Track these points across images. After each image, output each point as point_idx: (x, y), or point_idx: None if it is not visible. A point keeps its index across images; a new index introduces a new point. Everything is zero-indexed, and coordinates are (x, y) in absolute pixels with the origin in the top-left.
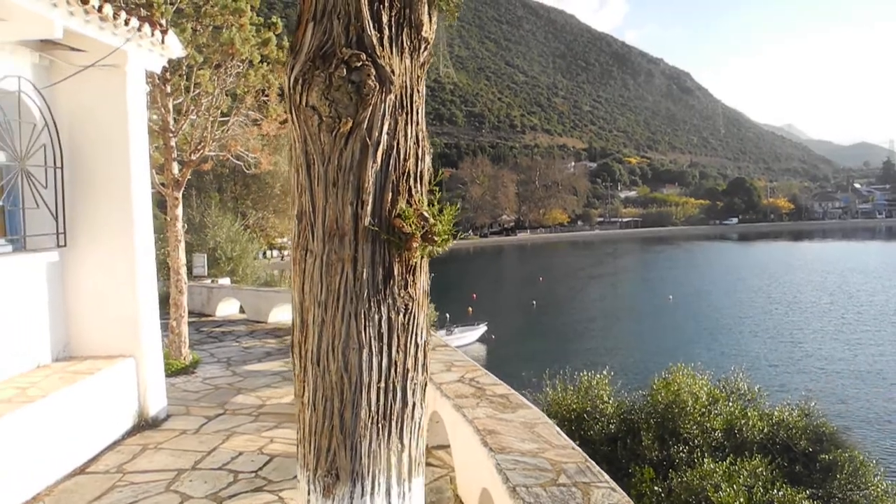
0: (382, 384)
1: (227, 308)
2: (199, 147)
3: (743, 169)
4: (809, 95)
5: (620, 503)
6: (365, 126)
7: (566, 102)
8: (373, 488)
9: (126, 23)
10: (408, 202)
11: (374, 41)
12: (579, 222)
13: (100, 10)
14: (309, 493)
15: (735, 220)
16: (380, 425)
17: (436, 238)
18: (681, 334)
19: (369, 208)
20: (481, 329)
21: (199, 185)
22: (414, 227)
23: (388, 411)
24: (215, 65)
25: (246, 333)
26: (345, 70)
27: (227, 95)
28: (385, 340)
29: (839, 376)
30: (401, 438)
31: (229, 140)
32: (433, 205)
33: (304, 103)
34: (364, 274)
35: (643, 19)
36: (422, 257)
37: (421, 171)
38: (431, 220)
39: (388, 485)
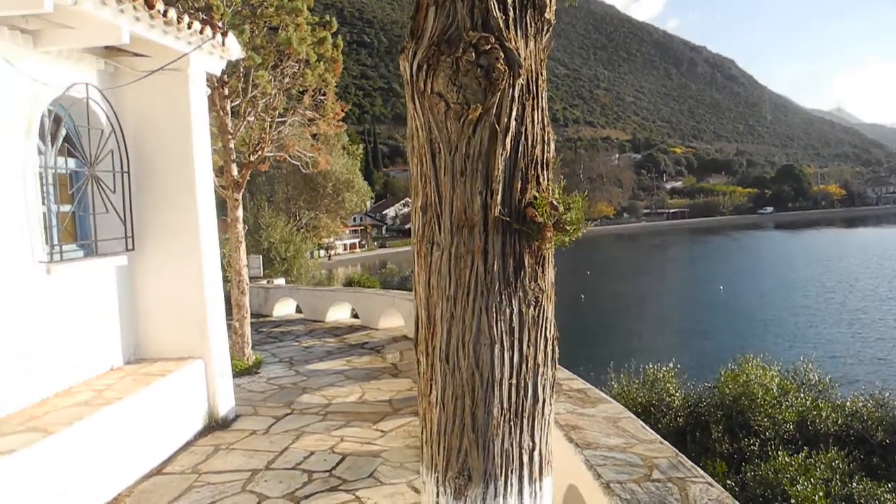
0: (514, 380)
1: (284, 308)
2: (257, 148)
3: (791, 156)
4: (859, 77)
5: (720, 498)
6: (494, 112)
7: (608, 94)
8: (506, 489)
9: (189, 26)
10: (536, 191)
11: (500, 24)
12: (625, 214)
13: (164, 14)
14: (438, 496)
15: (770, 208)
16: (511, 423)
17: (567, 227)
18: (734, 327)
19: (499, 198)
20: None
21: (252, 186)
22: (546, 216)
23: (520, 408)
24: (272, 65)
25: (304, 333)
26: (473, 54)
27: (283, 95)
28: (516, 335)
29: None
30: (532, 436)
31: (287, 140)
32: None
33: (429, 90)
34: (495, 266)
35: (684, 7)
36: (550, 248)
37: (547, 159)
38: (562, 209)
39: (521, 485)
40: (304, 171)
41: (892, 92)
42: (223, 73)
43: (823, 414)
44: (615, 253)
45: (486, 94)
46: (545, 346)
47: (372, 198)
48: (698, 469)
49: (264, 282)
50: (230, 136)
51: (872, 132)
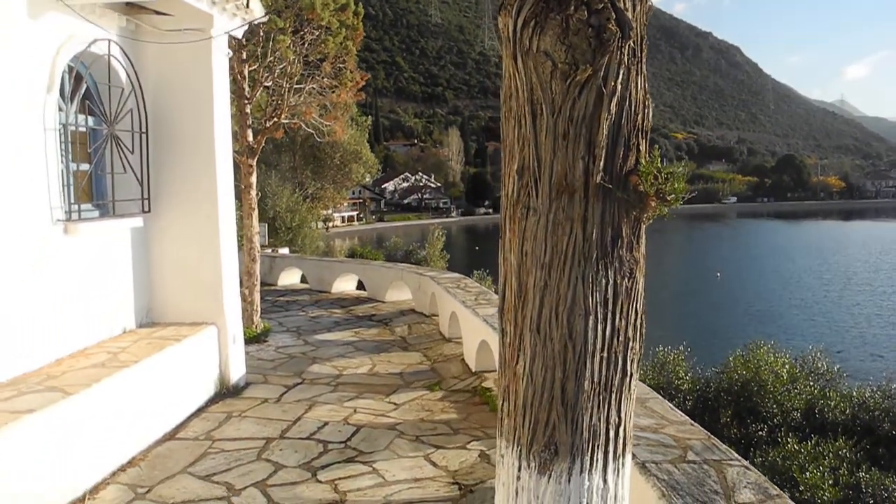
0: (605, 353)
1: (290, 277)
2: (273, 115)
3: (792, 146)
4: (864, 70)
5: (759, 482)
6: (602, 74)
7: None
8: (591, 464)
9: None
10: (636, 159)
11: None
12: None
13: None
14: (520, 469)
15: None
16: (601, 397)
17: (669, 197)
18: (731, 313)
19: (601, 164)
20: None
21: (259, 154)
22: (649, 185)
23: (610, 383)
24: (292, 31)
25: (311, 303)
26: (585, 12)
27: (301, 62)
28: (610, 307)
29: None
30: (619, 412)
31: (304, 107)
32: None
33: (535, 48)
34: (594, 235)
35: None
36: (649, 219)
37: (647, 126)
38: (662, 178)
39: (605, 461)
40: (318, 139)
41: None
42: (243, 36)
43: (831, 403)
44: None
45: (595, 55)
46: (635, 320)
47: (378, 170)
48: (733, 452)
49: (269, 250)
50: (246, 102)
51: (874, 125)
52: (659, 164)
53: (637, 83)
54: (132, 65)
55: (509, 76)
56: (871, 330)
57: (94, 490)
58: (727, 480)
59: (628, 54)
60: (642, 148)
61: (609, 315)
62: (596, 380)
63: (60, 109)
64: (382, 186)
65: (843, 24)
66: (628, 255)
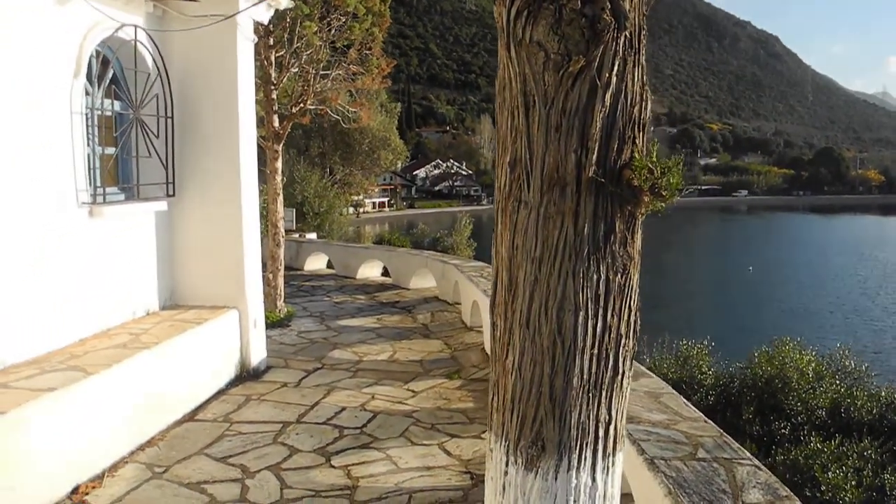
0: (596, 350)
1: (316, 263)
2: (299, 100)
3: (831, 138)
4: None
5: (769, 482)
6: (595, 66)
7: (646, 66)
8: (579, 462)
9: None
10: (633, 152)
11: None
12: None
13: None
14: (507, 465)
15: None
16: (590, 395)
17: (664, 192)
18: (761, 308)
19: (594, 157)
20: None
21: (288, 139)
22: (643, 179)
23: (600, 380)
24: (319, 17)
25: (335, 288)
26: (578, 2)
27: (327, 48)
28: (601, 303)
29: None
30: (609, 409)
31: (330, 93)
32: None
33: (528, 38)
34: (585, 229)
35: None
36: (643, 214)
37: (644, 119)
38: (658, 173)
39: (594, 459)
40: (344, 125)
41: None
42: (269, 22)
43: (858, 402)
44: (643, 227)
45: (588, 45)
46: (629, 317)
47: (407, 157)
48: (744, 451)
49: (296, 235)
50: (273, 87)
51: None
52: (655, 159)
53: (634, 75)
54: (158, 50)
55: (503, 67)
56: None
57: (113, 468)
58: (736, 480)
59: (624, 45)
60: (639, 141)
61: (600, 311)
62: (585, 377)
63: (87, 94)
64: (414, 173)
65: (887, 12)
66: (621, 250)
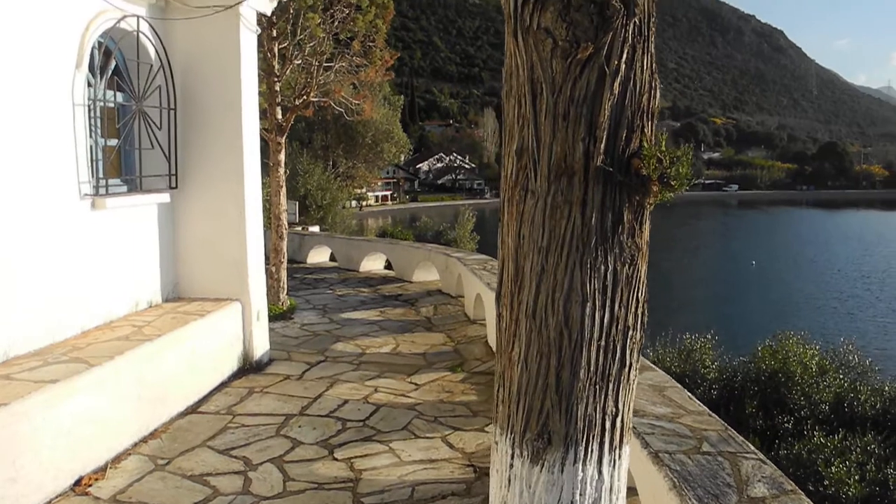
0: (603, 342)
1: (319, 255)
2: (302, 92)
3: (835, 133)
4: None
5: (774, 476)
6: (604, 53)
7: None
8: (585, 455)
9: None
10: (641, 141)
11: None
12: None
13: None
14: (513, 458)
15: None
16: (597, 387)
17: (673, 182)
18: (764, 303)
19: (602, 146)
20: None
21: (291, 132)
22: (652, 168)
23: (607, 372)
24: (322, 8)
25: (338, 281)
26: None
27: (331, 40)
28: (609, 294)
29: None
30: (616, 402)
31: (333, 85)
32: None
33: (535, 25)
34: (593, 219)
35: None
36: (652, 204)
37: (653, 108)
38: (667, 162)
39: (601, 452)
40: (347, 118)
41: None
42: (272, 13)
43: (861, 397)
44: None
45: (597, 32)
46: (636, 308)
47: (410, 150)
48: (749, 444)
49: (299, 228)
50: (276, 79)
51: None
52: (664, 148)
53: (643, 63)
54: (161, 41)
55: (510, 54)
56: None
57: (116, 460)
58: (741, 473)
59: (634, 32)
60: (647, 130)
61: (608, 302)
62: (592, 368)
63: (90, 85)
64: (417, 166)
65: (892, 7)
66: (629, 240)
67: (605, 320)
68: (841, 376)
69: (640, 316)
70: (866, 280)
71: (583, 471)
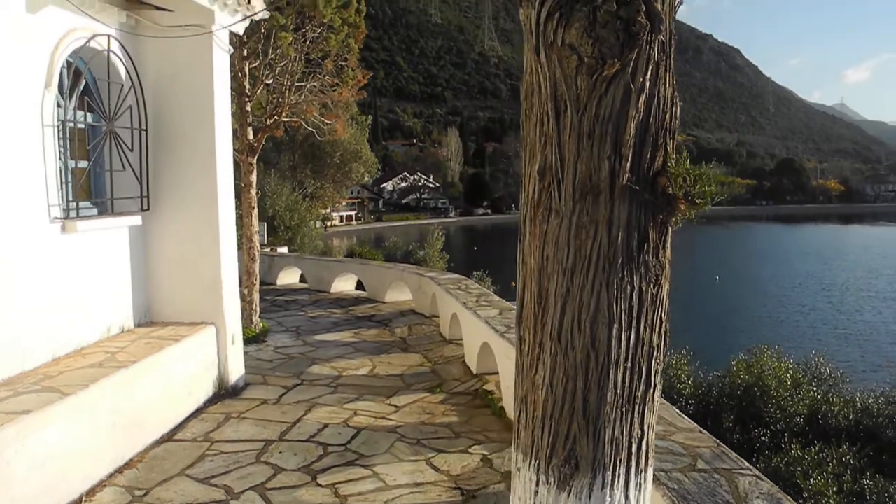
0: (629, 363)
1: (288, 277)
2: (273, 112)
3: (791, 149)
4: (864, 73)
5: (772, 492)
6: (630, 70)
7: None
8: (613, 479)
9: None
10: (663, 160)
11: None
12: None
13: None
14: (538, 484)
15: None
16: (623, 409)
17: (698, 200)
18: (730, 318)
19: (628, 164)
20: None
21: (260, 152)
22: (678, 187)
23: (633, 394)
24: (294, 28)
25: (310, 303)
26: (614, 4)
27: (302, 60)
28: (634, 314)
29: None
30: (641, 424)
31: (305, 105)
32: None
33: (560, 42)
34: (619, 238)
35: None
36: (676, 222)
37: (674, 126)
38: (691, 180)
39: (628, 476)
40: (319, 138)
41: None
42: (244, 33)
43: (835, 409)
44: None
45: (623, 48)
46: (660, 328)
47: (378, 170)
48: (743, 461)
49: (268, 249)
50: (247, 99)
51: (874, 129)
52: (687, 166)
53: (666, 79)
54: (132, 61)
55: (531, 71)
56: (872, 337)
57: (91, 492)
58: (739, 490)
59: (658, 49)
60: (669, 148)
61: (634, 323)
62: (619, 391)
63: (59, 105)
64: (381, 186)
65: (844, 26)
66: (654, 260)
67: (632, 341)
68: (814, 388)
69: (663, 336)
70: (826, 293)
71: (611, 496)
